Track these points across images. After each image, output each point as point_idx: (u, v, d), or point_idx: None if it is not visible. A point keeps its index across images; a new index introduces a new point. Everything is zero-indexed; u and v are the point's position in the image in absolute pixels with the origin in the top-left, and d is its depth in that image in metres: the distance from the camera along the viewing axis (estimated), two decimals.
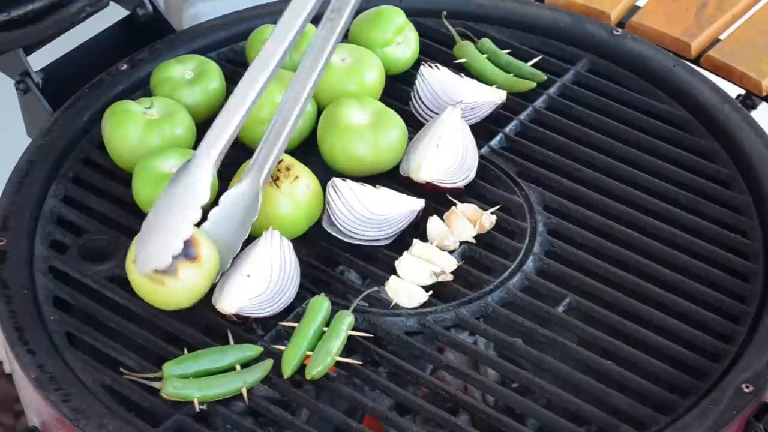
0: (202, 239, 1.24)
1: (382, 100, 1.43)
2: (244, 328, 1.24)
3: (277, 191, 1.28)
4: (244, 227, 1.28)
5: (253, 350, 1.20)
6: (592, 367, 1.22)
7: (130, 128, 1.36)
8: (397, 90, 1.48)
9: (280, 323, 1.24)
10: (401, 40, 1.49)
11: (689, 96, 1.47)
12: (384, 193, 1.32)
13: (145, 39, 1.52)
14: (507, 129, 1.44)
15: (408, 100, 1.46)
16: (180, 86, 1.42)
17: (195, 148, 1.38)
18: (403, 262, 1.28)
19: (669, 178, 1.40)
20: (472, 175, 1.38)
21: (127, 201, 1.36)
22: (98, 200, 1.37)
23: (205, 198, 1.25)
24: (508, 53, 1.51)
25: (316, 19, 1.56)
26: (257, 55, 1.30)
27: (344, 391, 1.20)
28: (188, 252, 1.22)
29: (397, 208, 1.31)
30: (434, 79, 1.43)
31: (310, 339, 1.20)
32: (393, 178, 1.37)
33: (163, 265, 1.21)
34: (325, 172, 1.35)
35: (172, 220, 1.23)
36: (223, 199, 1.29)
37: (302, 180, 1.30)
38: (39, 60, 1.47)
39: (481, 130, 1.43)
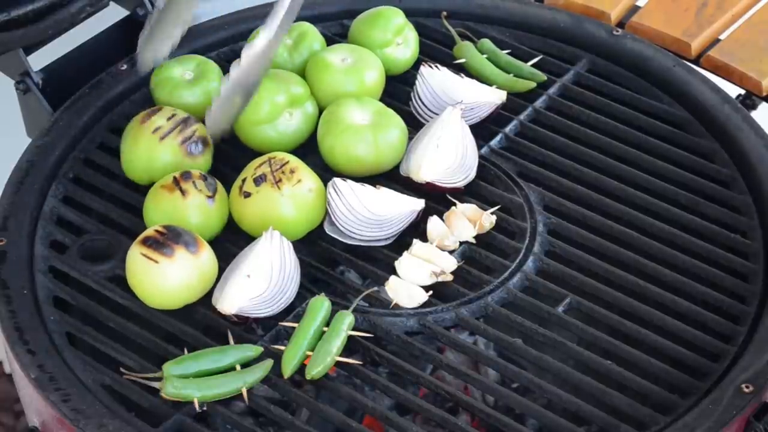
0: (207, 247, 1.25)
1: (382, 100, 1.43)
2: (244, 328, 1.24)
3: (277, 193, 1.28)
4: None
5: (253, 350, 1.20)
6: (592, 367, 1.22)
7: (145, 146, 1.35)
8: (397, 90, 1.48)
9: (280, 323, 1.24)
10: (401, 41, 1.49)
11: (689, 96, 1.47)
12: (384, 193, 1.32)
13: None
14: (507, 129, 1.44)
15: (408, 100, 1.46)
16: (180, 86, 1.42)
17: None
18: (403, 262, 1.28)
19: (669, 178, 1.40)
20: (472, 175, 1.38)
21: (127, 201, 1.36)
22: (98, 200, 1.37)
23: None
24: (508, 53, 1.51)
25: (319, 19, 1.56)
26: None
27: (344, 391, 1.20)
28: (189, 243, 1.23)
29: (397, 208, 1.31)
30: (434, 80, 1.43)
31: (310, 339, 1.20)
32: (393, 178, 1.37)
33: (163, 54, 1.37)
34: (325, 172, 1.35)
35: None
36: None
37: (304, 183, 1.30)
38: (39, 60, 1.47)
39: (481, 130, 1.43)
